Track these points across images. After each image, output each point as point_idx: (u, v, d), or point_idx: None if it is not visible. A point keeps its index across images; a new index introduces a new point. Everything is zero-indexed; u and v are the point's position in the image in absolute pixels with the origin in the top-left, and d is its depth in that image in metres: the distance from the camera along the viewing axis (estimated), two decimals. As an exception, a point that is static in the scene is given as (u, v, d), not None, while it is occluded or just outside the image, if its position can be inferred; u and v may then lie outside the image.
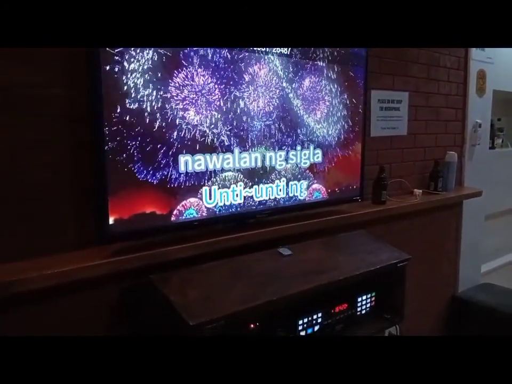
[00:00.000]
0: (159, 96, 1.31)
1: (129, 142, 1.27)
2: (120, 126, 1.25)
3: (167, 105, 1.33)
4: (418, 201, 2.28)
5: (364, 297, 1.66)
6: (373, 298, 1.69)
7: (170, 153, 1.36)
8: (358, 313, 1.65)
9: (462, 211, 2.78)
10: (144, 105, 1.29)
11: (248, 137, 1.54)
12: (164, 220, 1.38)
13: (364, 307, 1.67)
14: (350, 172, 1.88)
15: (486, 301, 2.65)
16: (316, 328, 1.51)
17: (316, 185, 1.76)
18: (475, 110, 2.73)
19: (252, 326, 1.35)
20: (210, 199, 1.48)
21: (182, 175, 1.40)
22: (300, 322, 1.46)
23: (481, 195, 2.64)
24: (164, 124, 1.33)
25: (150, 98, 1.30)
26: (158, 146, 1.33)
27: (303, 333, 1.47)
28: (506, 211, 3.32)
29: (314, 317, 1.50)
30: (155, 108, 1.31)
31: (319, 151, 1.75)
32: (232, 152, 1.50)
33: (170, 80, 1.33)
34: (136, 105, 1.27)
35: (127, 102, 1.25)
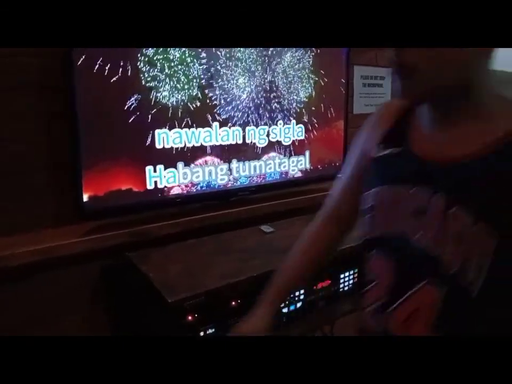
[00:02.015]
0: (133, 68, 1.27)
1: (104, 115, 1.23)
2: (94, 98, 1.20)
3: (142, 77, 1.29)
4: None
5: (347, 274, 1.66)
6: (356, 275, 1.69)
7: (146, 127, 1.32)
8: (341, 289, 1.65)
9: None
10: (119, 76, 1.24)
11: (228, 113, 1.51)
12: (141, 197, 1.35)
13: (346, 283, 1.67)
14: (333, 149, 1.86)
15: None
16: (299, 304, 1.50)
17: (298, 163, 1.74)
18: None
19: (234, 302, 1.34)
20: (189, 176, 1.44)
21: (159, 150, 1.36)
22: (282, 298, 1.45)
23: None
24: (140, 97, 1.29)
25: (125, 69, 1.25)
26: (134, 121, 1.29)
27: (285, 310, 1.47)
28: None
29: (297, 293, 1.50)
30: (130, 80, 1.26)
31: (301, 127, 1.73)
32: (211, 127, 1.47)
33: (140, 53, 1.28)
34: (112, 76, 1.23)
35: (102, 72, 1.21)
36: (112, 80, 1.23)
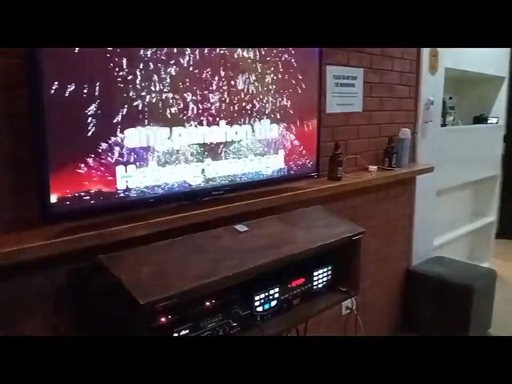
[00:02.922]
0: (105, 65, 1.24)
1: (72, 112, 1.20)
2: (61, 96, 1.17)
3: (113, 74, 1.26)
4: (374, 177, 2.32)
5: (321, 271, 1.68)
6: (330, 272, 1.71)
7: (116, 126, 1.29)
8: (315, 287, 1.66)
9: (415, 187, 2.85)
10: (88, 71, 1.21)
11: (200, 111, 1.49)
12: (112, 198, 1.32)
13: (320, 281, 1.68)
14: (306, 148, 1.87)
15: (438, 273, 2.76)
16: (273, 303, 1.51)
17: (271, 162, 1.74)
18: (428, 87, 2.79)
19: (208, 303, 1.33)
20: (161, 175, 1.42)
21: (129, 150, 1.33)
22: (257, 298, 1.45)
23: (433, 171, 2.72)
24: (111, 94, 1.26)
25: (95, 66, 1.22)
26: (104, 119, 1.26)
27: (260, 309, 1.47)
28: (457, 187, 3.45)
29: (271, 292, 1.50)
30: (99, 77, 1.24)
31: (274, 126, 1.73)
32: (183, 126, 1.45)
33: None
34: (80, 70, 1.20)
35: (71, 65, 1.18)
36: (79, 78, 1.20)
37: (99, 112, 1.25)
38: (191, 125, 1.47)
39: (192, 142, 1.48)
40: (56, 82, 1.15)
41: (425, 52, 2.72)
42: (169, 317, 1.24)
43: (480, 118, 3.68)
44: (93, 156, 1.25)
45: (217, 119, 1.54)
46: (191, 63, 1.43)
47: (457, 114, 3.51)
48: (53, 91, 1.15)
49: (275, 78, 1.69)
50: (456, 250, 3.44)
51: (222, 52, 1.51)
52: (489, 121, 3.69)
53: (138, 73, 1.32)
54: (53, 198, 1.19)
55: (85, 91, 1.21)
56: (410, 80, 2.70)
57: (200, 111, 1.49)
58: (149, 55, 1.33)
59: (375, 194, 2.51)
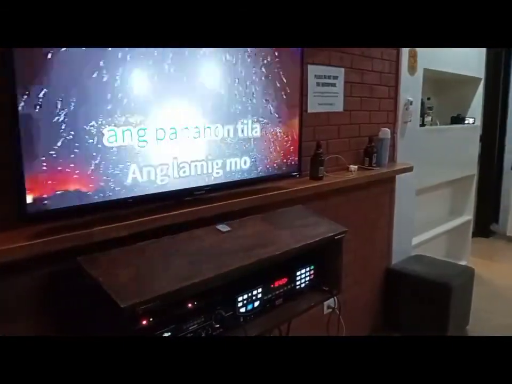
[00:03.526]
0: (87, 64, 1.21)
1: (48, 111, 1.16)
2: (38, 90, 1.13)
3: (92, 71, 1.23)
4: (354, 176, 2.33)
5: (303, 271, 1.68)
6: (312, 272, 1.71)
7: (94, 125, 1.26)
8: (298, 286, 1.66)
9: (395, 186, 2.88)
10: (67, 69, 1.18)
11: (183, 111, 1.47)
12: (91, 198, 1.28)
13: (303, 280, 1.68)
14: (288, 147, 1.87)
15: (417, 271, 2.80)
16: (256, 304, 1.50)
17: (254, 161, 1.73)
18: (407, 88, 2.82)
19: (190, 305, 1.31)
20: (142, 175, 1.39)
21: (109, 149, 1.30)
22: (240, 298, 1.44)
23: (412, 170, 2.75)
24: (89, 92, 1.23)
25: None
26: (81, 117, 1.23)
27: (243, 310, 1.45)
28: (435, 186, 3.50)
29: (254, 292, 1.49)
30: (78, 74, 1.20)
31: (257, 126, 1.71)
32: (164, 124, 1.43)
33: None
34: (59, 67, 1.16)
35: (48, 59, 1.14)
36: (56, 75, 1.17)
37: (75, 111, 1.21)
38: (171, 124, 1.44)
39: (173, 141, 1.46)
40: (30, 84, 1.12)
41: (404, 52, 2.75)
42: (151, 319, 1.21)
43: (457, 118, 3.74)
44: (70, 155, 1.22)
45: (199, 118, 1.52)
46: (174, 60, 1.41)
47: (435, 115, 3.56)
48: (26, 94, 1.11)
49: (257, 77, 1.68)
50: (434, 248, 3.49)
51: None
52: (466, 122, 3.75)
53: (115, 73, 1.29)
54: (29, 198, 1.16)
55: (61, 93, 1.18)
56: (389, 80, 2.73)
57: (180, 110, 1.46)
58: (125, 57, 1.30)
59: (355, 193, 2.53)
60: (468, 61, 3.51)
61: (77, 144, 1.23)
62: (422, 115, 3.19)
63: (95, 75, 1.24)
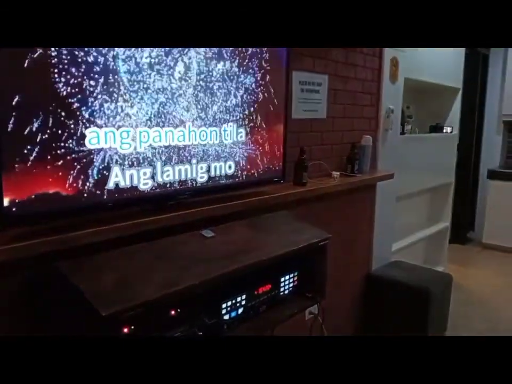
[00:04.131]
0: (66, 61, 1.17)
1: (26, 110, 1.12)
2: (16, 87, 1.09)
3: (73, 69, 1.20)
4: (337, 183, 2.34)
5: (287, 277, 1.66)
6: (296, 278, 1.70)
7: (75, 126, 1.22)
8: (282, 293, 1.65)
9: (375, 193, 2.91)
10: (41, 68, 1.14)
11: (166, 113, 1.45)
12: (71, 201, 1.24)
13: (287, 287, 1.67)
14: (273, 153, 1.86)
15: (396, 277, 2.82)
16: (240, 310, 1.48)
17: (238, 166, 1.71)
18: (388, 96, 2.85)
19: (173, 312, 1.28)
20: (123, 179, 1.36)
21: (90, 151, 1.27)
22: (224, 305, 1.41)
23: (393, 177, 2.78)
24: (69, 90, 1.19)
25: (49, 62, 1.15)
26: (62, 117, 1.19)
27: (226, 317, 1.43)
28: (414, 193, 3.55)
29: (238, 299, 1.47)
30: (59, 72, 1.17)
31: (242, 130, 1.70)
32: (149, 127, 1.40)
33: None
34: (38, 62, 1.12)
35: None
36: (34, 71, 1.13)
37: (56, 110, 1.18)
38: (155, 128, 1.42)
39: (157, 145, 1.43)
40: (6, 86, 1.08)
41: (386, 61, 2.79)
42: (132, 327, 1.17)
43: (435, 127, 3.81)
44: (49, 157, 1.18)
45: (183, 121, 1.50)
46: (157, 62, 1.39)
47: (414, 124, 3.62)
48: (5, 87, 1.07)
49: (243, 81, 1.67)
50: (413, 255, 3.54)
51: (185, 51, 1.47)
52: (444, 131, 3.83)
53: (96, 75, 1.25)
54: (6, 201, 1.11)
55: (37, 95, 1.14)
56: (372, 88, 2.76)
57: (164, 114, 1.44)
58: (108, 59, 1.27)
59: (337, 199, 2.54)
60: (447, 71, 3.59)
61: (56, 145, 1.19)
62: (402, 123, 3.23)
63: (73, 75, 1.21)
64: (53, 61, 1.15)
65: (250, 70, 1.69)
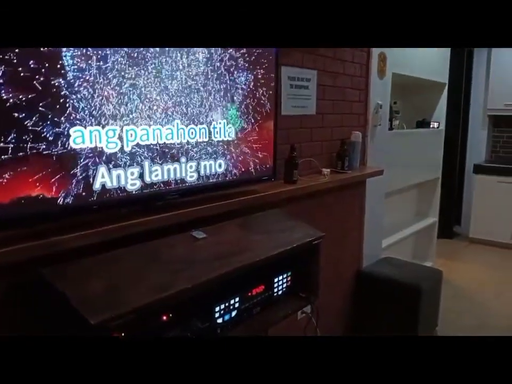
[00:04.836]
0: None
1: (7, 110, 1.06)
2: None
3: (58, 66, 1.14)
4: (327, 180, 2.31)
5: (280, 277, 1.63)
6: (289, 278, 1.67)
7: (59, 125, 1.16)
8: (275, 294, 1.61)
9: (365, 189, 2.89)
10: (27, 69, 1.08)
11: (152, 110, 1.39)
12: (55, 204, 1.18)
13: (280, 287, 1.63)
14: (263, 151, 1.82)
15: (387, 274, 2.81)
16: (233, 313, 1.43)
17: (228, 164, 1.67)
18: (376, 92, 2.83)
19: (165, 317, 1.23)
20: (110, 179, 1.31)
21: (75, 151, 1.21)
22: (217, 309, 1.37)
23: (383, 174, 2.77)
24: (52, 90, 1.14)
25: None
26: (45, 117, 1.13)
27: (220, 320, 1.39)
28: (402, 189, 3.55)
29: (231, 302, 1.43)
30: (41, 73, 1.11)
31: (231, 128, 1.65)
32: (135, 125, 1.34)
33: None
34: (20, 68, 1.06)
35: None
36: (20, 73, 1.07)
37: (39, 108, 1.12)
38: (142, 126, 1.36)
39: (143, 143, 1.38)
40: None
41: (374, 56, 2.76)
42: (123, 334, 1.12)
43: (422, 123, 3.81)
44: (33, 157, 1.12)
45: (171, 119, 1.45)
46: (148, 61, 1.33)
47: (402, 119, 3.62)
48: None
49: (232, 78, 1.62)
50: (402, 250, 3.54)
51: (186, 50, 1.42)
52: (431, 126, 3.83)
53: (79, 74, 1.20)
54: (-14, 205, 1.05)
55: (22, 96, 1.08)
56: (360, 84, 2.73)
57: (153, 111, 1.39)
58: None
59: (327, 197, 2.51)
60: (433, 66, 3.59)
61: (38, 145, 1.13)
62: (390, 119, 3.22)
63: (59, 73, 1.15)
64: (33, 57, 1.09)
65: (239, 66, 1.64)
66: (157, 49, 1.37)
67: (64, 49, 1.15)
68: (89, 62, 1.20)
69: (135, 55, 1.31)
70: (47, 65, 1.12)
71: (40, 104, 1.12)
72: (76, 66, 1.18)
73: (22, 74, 1.08)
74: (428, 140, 3.74)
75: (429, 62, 3.49)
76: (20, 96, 1.08)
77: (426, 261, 3.85)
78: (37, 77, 1.10)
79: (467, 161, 5.05)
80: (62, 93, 1.16)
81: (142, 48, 1.32)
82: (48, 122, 1.14)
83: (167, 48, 1.39)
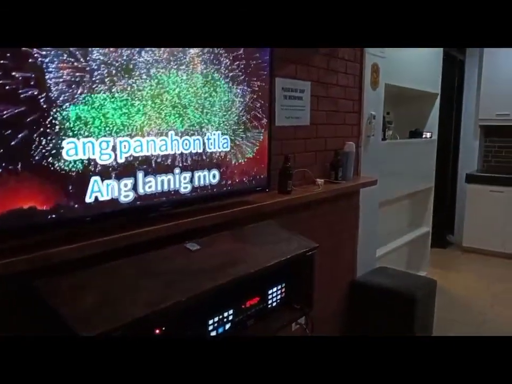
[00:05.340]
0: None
1: None
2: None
3: (47, 76, 1.13)
4: (321, 190, 2.31)
5: (275, 289, 1.62)
6: (284, 289, 1.66)
7: (51, 136, 1.16)
8: (269, 305, 1.60)
9: (359, 199, 2.90)
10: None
11: (144, 121, 1.39)
12: (47, 216, 1.17)
13: (275, 299, 1.62)
14: (258, 161, 1.82)
15: (382, 284, 2.81)
16: (227, 326, 1.42)
17: (222, 175, 1.67)
18: (370, 102, 2.85)
19: (158, 331, 1.22)
20: (103, 191, 1.30)
21: (67, 163, 1.20)
22: (210, 322, 1.36)
23: (377, 184, 2.78)
24: (44, 99, 1.13)
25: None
26: (36, 127, 1.12)
27: (213, 333, 1.37)
28: (396, 198, 3.56)
29: (225, 314, 1.42)
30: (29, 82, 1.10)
31: (226, 138, 1.65)
32: (130, 136, 1.34)
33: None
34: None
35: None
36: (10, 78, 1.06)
37: (29, 119, 1.11)
38: (135, 137, 1.36)
39: (137, 155, 1.37)
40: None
41: (367, 67, 2.79)
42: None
43: (415, 133, 3.85)
44: (25, 169, 1.11)
45: (166, 131, 1.44)
46: (138, 66, 1.33)
47: (395, 129, 3.64)
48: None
49: (226, 89, 1.63)
50: (396, 260, 3.54)
51: (167, 52, 1.42)
52: (424, 136, 3.86)
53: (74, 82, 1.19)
54: (-23, 218, 1.04)
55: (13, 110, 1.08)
56: (353, 94, 2.75)
57: (146, 123, 1.38)
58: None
59: (321, 207, 2.51)
60: (426, 77, 3.63)
61: (31, 158, 1.12)
62: (383, 129, 3.24)
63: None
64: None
65: (234, 76, 1.65)
66: (150, 58, 1.37)
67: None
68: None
69: (130, 65, 1.31)
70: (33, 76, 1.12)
71: (28, 119, 1.11)
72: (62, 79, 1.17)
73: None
74: (420, 150, 3.76)
75: (421, 73, 3.53)
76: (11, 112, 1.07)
77: (420, 270, 3.86)
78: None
79: (459, 170, 5.09)
80: (46, 106, 1.15)
81: (136, 56, 1.32)
82: (41, 133, 1.13)
83: (160, 58, 1.39)
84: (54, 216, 1.19)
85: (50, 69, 1.13)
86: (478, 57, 4.79)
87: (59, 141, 1.17)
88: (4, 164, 1.07)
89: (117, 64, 1.27)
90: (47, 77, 1.13)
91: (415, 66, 3.35)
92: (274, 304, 1.62)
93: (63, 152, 1.19)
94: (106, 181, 1.29)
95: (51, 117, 1.15)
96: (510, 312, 3.36)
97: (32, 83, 1.10)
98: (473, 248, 4.74)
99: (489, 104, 4.67)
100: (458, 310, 3.41)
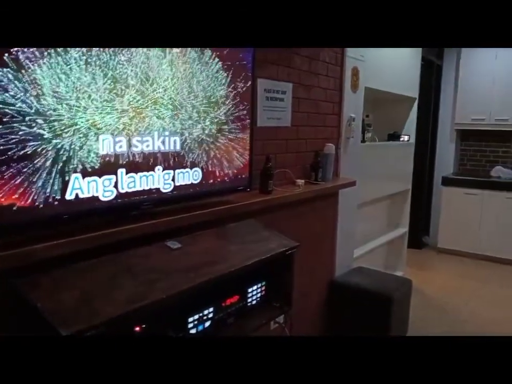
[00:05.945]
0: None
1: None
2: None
3: (28, 71, 1.13)
4: (301, 190, 2.34)
5: (255, 287, 1.64)
6: (263, 288, 1.68)
7: (30, 131, 1.15)
8: (249, 304, 1.62)
9: (338, 200, 2.94)
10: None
11: (132, 120, 1.39)
12: (27, 213, 1.16)
13: (254, 297, 1.64)
14: (239, 161, 1.83)
15: (359, 283, 2.86)
16: (207, 324, 1.43)
17: (204, 174, 1.68)
18: (349, 105, 2.90)
19: (138, 328, 1.22)
20: (84, 188, 1.29)
21: (47, 158, 1.19)
22: (190, 319, 1.37)
23: (355, 185, 2.82)
24: (25, 95, 1.12)
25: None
26: (17, 124, 1.12)
27: (193, 331, 1.38)
28: (374, 200, 3.63)
29: (205, 312, 1.43)
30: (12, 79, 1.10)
31: (208, 138, 1.67)
32: (111, 134, 1.34)
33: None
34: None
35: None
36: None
37: (12, 116, 1.10)
38: (117, 135, 1.36)
39: (116, 152, 1.37)
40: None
41: (347, 70, 2.84)
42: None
43: (393, 136, 3.92)
44: (4, 165, 1.10)
45: (148, 128, 1.45)
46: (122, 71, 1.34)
47: (374, 132, 3.71)
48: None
49: (208, 89, 1.64)
50: (373, 260, 3.61)
51: (156, 51, 1.43)
52: (401, 139, 3.94)
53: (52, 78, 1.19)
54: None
55: None
56: (334, 97, 2.80)
57: (127, 121, 1.39)
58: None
59: (301, 207, 2.54)
60: (404, 81, 3.71)
61: (14, 152, 1.11)
62: (362, 132, 3.30)
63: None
64: None
65: (216, 76, 1.66)
66: (130, 56, 1.37)
67: (39, 57, 1.14)
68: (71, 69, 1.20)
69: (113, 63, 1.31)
70: (21, 73, 1.11)
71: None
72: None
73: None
74: (398, 153, 3.84)
75: (400, 77, 3.60)
76: (-7, 104, 1.06)
77: (396, 270, 3.93)
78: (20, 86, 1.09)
79: (435, 173, 5.20)
80: (34, 97, 1.15)
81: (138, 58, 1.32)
82: (17, 126, 1.12)
83: (145, 57, 1.40)
84: (32, 213, 1.18)
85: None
86: (455, 63, 4.91)
87: (37, 135, 1.16)
88: (5, 160, 1.06)
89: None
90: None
91: (394, 70, 3.42)
92: (254, 302, 1.64)
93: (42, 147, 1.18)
94: (87, 178, 1.29)
95: (26, 109, 1.14)
96: (484, 311, 3.46)
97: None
98: (448, 249, 4.86)
99: (465, 109, 4.79)
100: (433, 309, 3.50)
